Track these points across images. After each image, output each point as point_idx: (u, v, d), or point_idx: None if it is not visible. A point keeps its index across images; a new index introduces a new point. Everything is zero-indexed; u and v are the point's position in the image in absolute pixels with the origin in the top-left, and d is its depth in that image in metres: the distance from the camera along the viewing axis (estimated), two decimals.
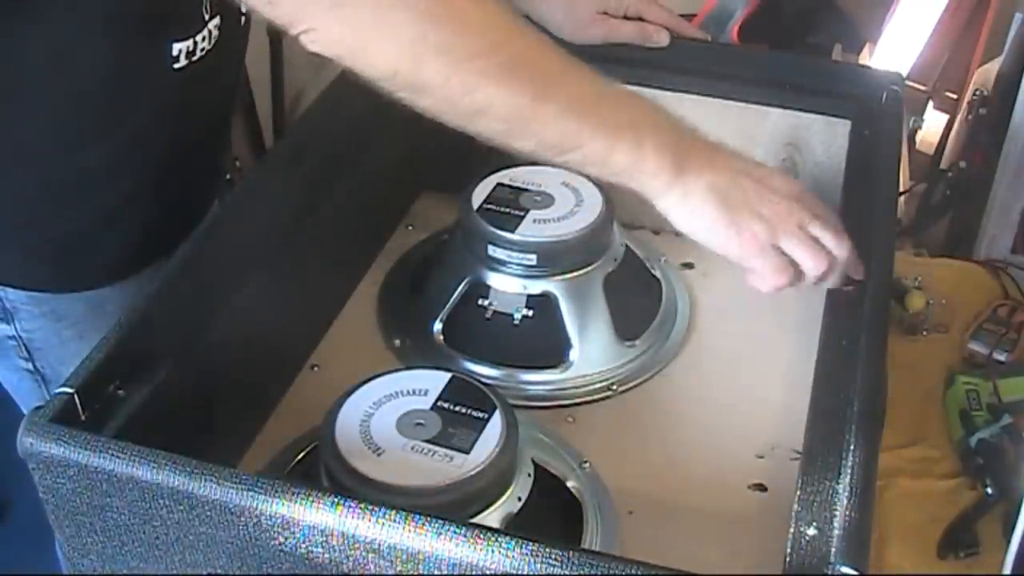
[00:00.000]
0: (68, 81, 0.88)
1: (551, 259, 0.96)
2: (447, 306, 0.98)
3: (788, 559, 0.62)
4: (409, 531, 0.60)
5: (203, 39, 0.91)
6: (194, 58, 0.91)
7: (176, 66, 0.90)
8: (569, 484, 0.85)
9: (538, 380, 0.96)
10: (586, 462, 0.88)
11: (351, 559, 0.62)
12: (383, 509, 0.61)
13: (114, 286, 1.00)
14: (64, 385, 0.70)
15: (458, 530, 0.60)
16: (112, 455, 0.64)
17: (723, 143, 0.80)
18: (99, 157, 0.93)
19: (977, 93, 1.32)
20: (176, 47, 0.90)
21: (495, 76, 0.71)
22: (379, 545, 0.61)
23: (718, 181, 0.76)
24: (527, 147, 0.74)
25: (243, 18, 0.98)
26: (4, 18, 0.84)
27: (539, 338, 0.97)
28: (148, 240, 1.01)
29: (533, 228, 0.97)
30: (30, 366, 1.03)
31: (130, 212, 0.98)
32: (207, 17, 0.91)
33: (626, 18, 1.09)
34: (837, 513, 0.64)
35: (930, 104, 1.30)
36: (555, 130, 0.73)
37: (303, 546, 0.63)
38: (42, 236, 0.96)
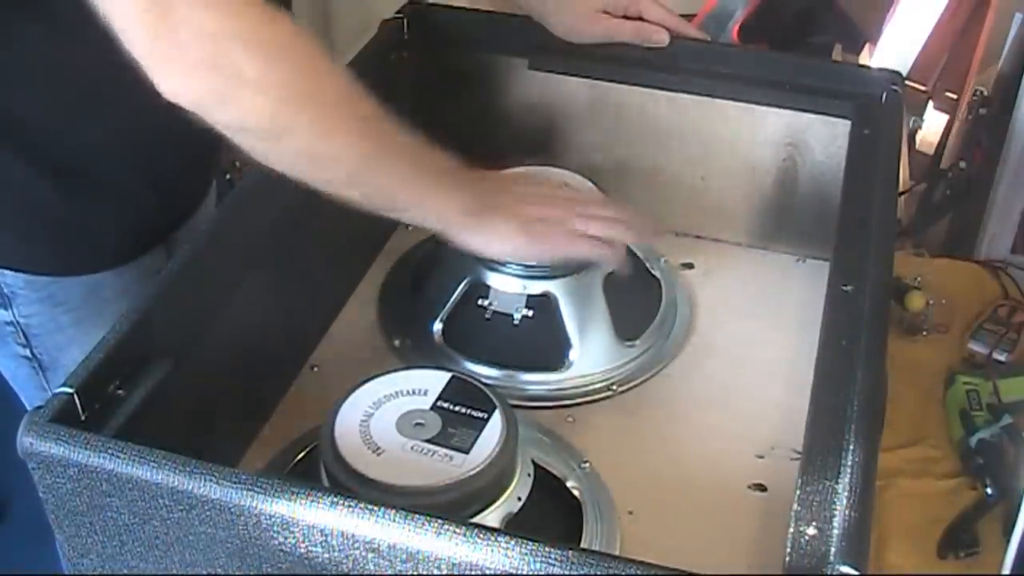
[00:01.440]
0: (71, 66, 0.89)
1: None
2: (447, 306, 0.98)
3: (788, 559, 0.62)
4: (409, 531, 0.60)
5: None
6: None
7: None
8: (569, 484, 0.85)
9: (538, 380, 0.96)
10: (586, 462, 0.88)
11: (351, 559, 0.62)
12: (383, 509, 0.61)
13: (112, 271, 1.00)
14: (64, 385, 0.69)
15: (458, 530, 0.60)
16: (112, 455, 0.64)
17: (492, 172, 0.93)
18: (98, 140, 0.94)
19: (977, 93, 1.32)
20: None
21: (349, 128, 0.79)
22: (379, 545, 0.61)
23: (514, 212, 0.89)
24: (358, 195, 0.82)
25: None
26: (12, 7, 0.85)
27: (539, 338, 0.97)
28: (147, 225, 1.02)
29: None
30: (27, 352, 1.03)
31: (129, 196, 0.99)
32: None
33: (626, 17, 1.09)
34: (837, 513, 0.64)
35: (930, 104, 1.29)
36: (386, 182, 0.83)
37: (303, 546, 0.63)
38: (42, 218, 0.97)
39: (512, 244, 0.89)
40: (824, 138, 1.07)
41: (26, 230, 0.98)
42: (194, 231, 1.10)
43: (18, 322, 1.01)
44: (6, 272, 0.98)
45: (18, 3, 0.86)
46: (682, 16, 1.12)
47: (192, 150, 1.04)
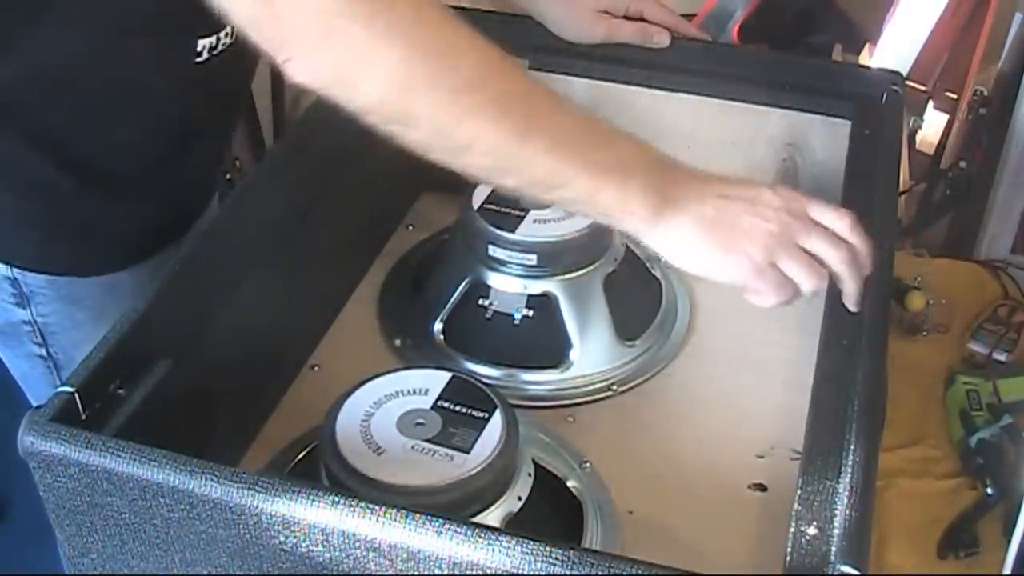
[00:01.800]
0: (96, 72, 0.90)
1: (551, 259, 0.96)
2: (447, 306, 0.98)
3: (788, 559, 0.62)
4: (409, 530, 0.60)
5: (225, 35, 0.93)
6: (215, 51, 0.93)
7: (198, 60, 0.92)
8: (569, 484, 0.85)
9: (538, 380, 0.96)
10: (586, 462, 0.88)
11: (351, 558, 0.62)
12: (383, 508, 0.61)
13: (129, 269, 1.00)
14: (64, 384, 0.70)
15: (458, 529, 0.60)
16: (112, 454, 0.64)
17: (708, 170, 0.78)
18: (119, 142, 0.94)
19: (977, 93, 1.32)
20: (201, 43, 0.91)
21: (482, 111, 0.70)
22: (379, 544, 0.61)
23: (704, 211, 0.75)
24: (513, 184, 0.74)
25: None
26: (37, 9, 0.85)
27: (539, 338, 0.97)
28: (162, 224, 1.02)
29: (533, 228, 0.97)
30: (43, 352, 1.03)
31: (147, 195, 0.99)
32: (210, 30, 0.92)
33: (627, 18, 1.09)
34: (837, 513, 0.64)
35: (930, 104, 1.29)
36: (541, 168, 0.72)
37: (303, 545, 0.63)
38: (63, 219, 0.97)
39: (694, 252, 0.75)
40: (824, 138, 1.07)
41: (47, 231, 0.98)
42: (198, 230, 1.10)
43: (36, 321, 1.01)
44: (26, 273, 0.98)
45: (43, 5, 0.86)
46: (682, 16, 1.12)
47: (206, 149, 1.04)
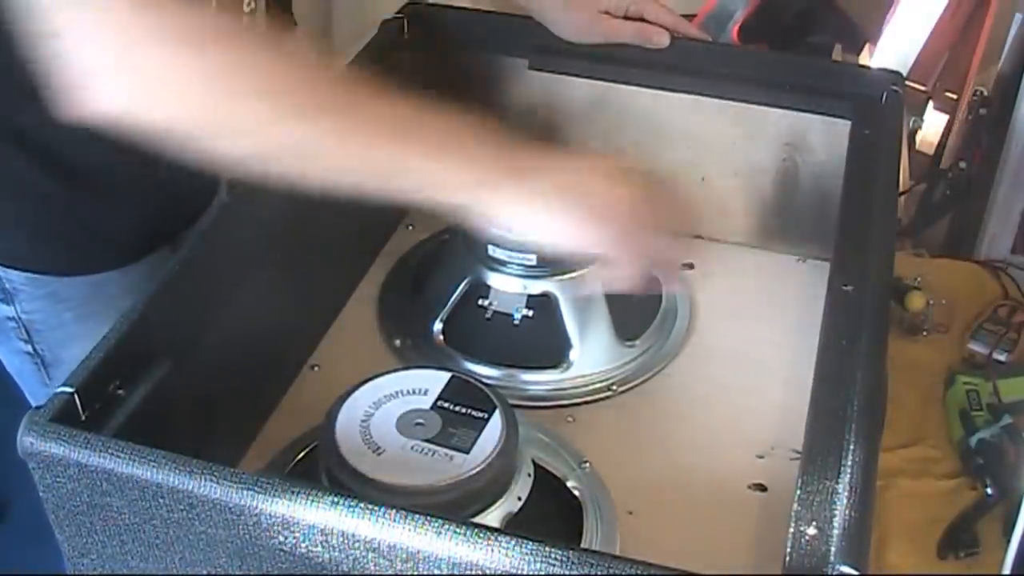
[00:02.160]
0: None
1: (551, 259, 0.96)
2: (447, 306, 0.98)
3: (788, 559, 0.62)
4: (409, 531, 0.60)
5: None
6: None
7: None
8: (569, 484, 0.85)
9: (538, 380, 0.96)
10: (586, 462, 0.88)
11: (351, 558, 0.62)
12: (383, 509, 0.61)
13: (117, 270, 1.00)
14: (64, 384, 0.69)
15: (458, 530, 0.60)
16: (112, 455, 0.64)
17: (550, 149, 0.78)
18: (106, 141, 0.93)
19: (977, 93, 1.32)
20: None
21: (297, 115, 0.70)
22: (379, 545, 0.61)
23: (557, 182, 0.76)
24: (354, 181, 0.72)
25: (249, 13, 0.99)
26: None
27: (539, 338, 0.97)
28: (152, 226, 1.02)
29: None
30: (30, 348, 1.03)
31: (134, 197, 0.99)
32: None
33: (627, 18, 1.09)
34: (837, 513, 0.64)
35: (930, 104, 1.29)
36: (377, 157, 0.72)
37: (303, 546, 0.63)
38: (47, 218, 0.97)
39: (554, 219, 0.75)
40: (824, 138, 1.07)
41: (31, 230, 0.98)
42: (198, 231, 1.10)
43: (20, 318, 1.01)
44: (8, 269, 0.98)
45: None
46: (682, 16, 1.12)
47: None
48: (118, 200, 0.98)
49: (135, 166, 0.97)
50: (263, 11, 1.02)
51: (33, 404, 1.07)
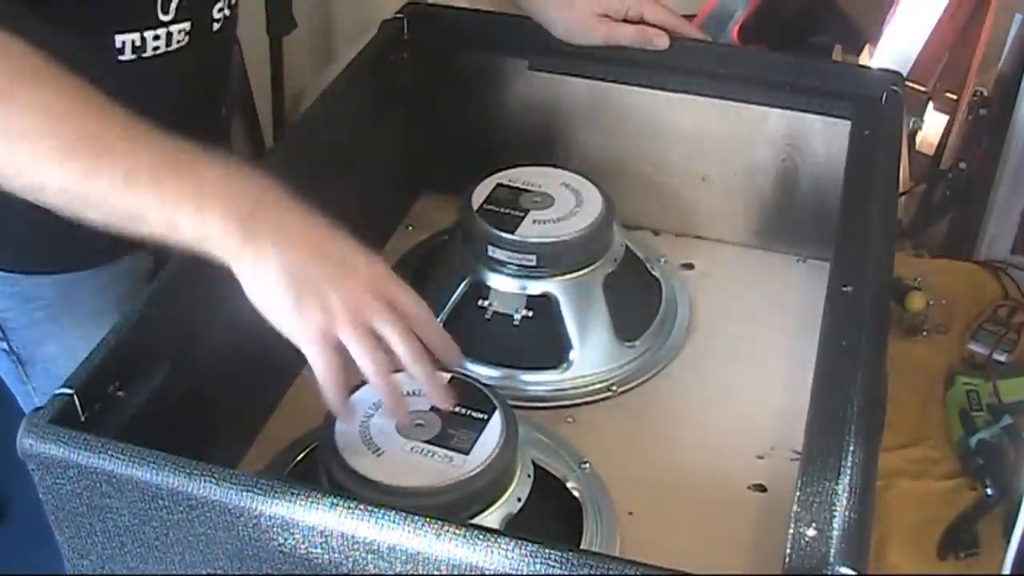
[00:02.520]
0: None
1: (551, 260, 0.96)
2: (447, 306, 0.98)
3: (788, 559, 0.62)
4: (409, 532, 0.60)
5: (156, 38, 0.91)
6: (145, 54, 0.91)
7: (122, 58, 0.90)
8: (569, 484, 0.85)
9: (538, 380, 0.96)
10: (586, 462, 0.88)
11: (351, 560, 0.62)
12: (383, 510, 0.61)
13: (89, 271, 0.99)
14: (64, 386, 0.69)
15: (458, 531, 0.60)
16: (112, 456, 0.64)
17: (309, 212, 0.75)
18: None
19: (977, 93, 1.32)
20: (120, 39, 0.89)
21: (48, 156, 0.70)
22: (379, 546, 0.61)
23: (292, 258, 0.72)
24: (96, 217, 0.72)
25: (217, 29, 0.98)
26: None
27: (539, 338, 0.97)
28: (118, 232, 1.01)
29: (533, 229, 0.97)
30: (5, 346, 1.03)
31: None
32: (165, 18, 0.91)
33: (627, 20, 1.09)
34: (837, 513, 0.64)
35: (930, 104, 1.29)
36: (115, 204, 0.71)
37: (303, 547, 0.63)
38: (11, 220, 0.95)
39: (269, 298, 0.72)
40: (824, 138, 1.07)
41: None
42: None
43: None
44: None
45: None
46: (682, 16, 1.12)
47: None
48: None
49: None
50: (235, 20, 1.01)
51: (20, 403, 1.07)
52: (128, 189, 0.70)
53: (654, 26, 1.08)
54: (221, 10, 0.96)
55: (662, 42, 1.08)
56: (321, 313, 0.72)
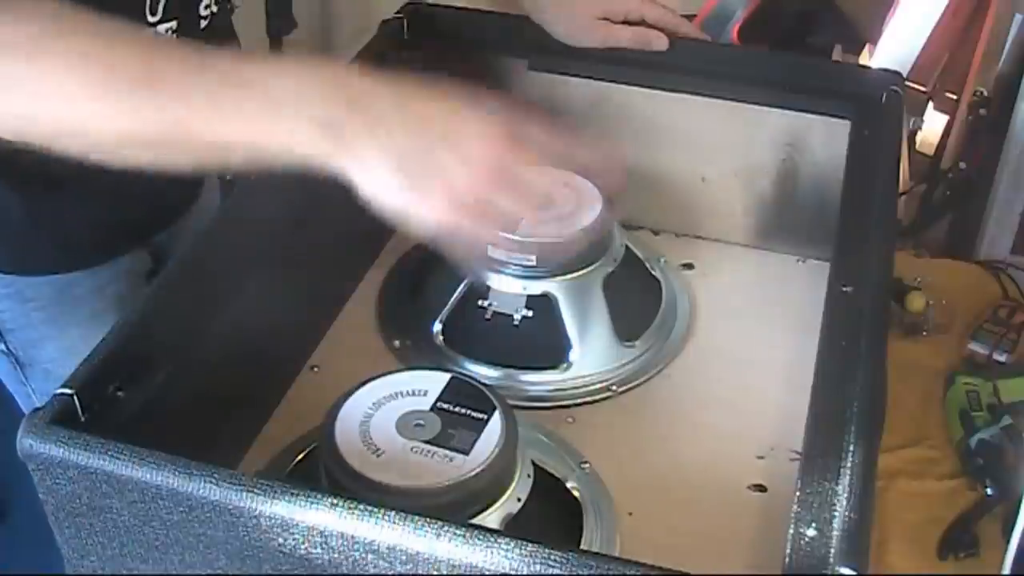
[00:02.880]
0: None
1: (551, 260, 0.96)
2: (447, 307, 0.98)
3: (788, 559, 0.62)
4: (408, 532, 0.60)
5: (167, 29, 0.91)
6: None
7: None
8: (569, 485, 0.85)
9: (538, 381, 0.96)
10: (586, 463, 0.88)
11: (350, 560, 0.62)
12: (382, 510, 0.61)
13: (85, 271, 0.99)
14: (64, 386, 0.69)
15: (457, 531, 0.60)
16: (112, 456, 0.64)
17: (410, 89, 0.71)
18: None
19: (977, 93, 1.32)
20: None
21: (113, 111, 0.69)
22: (378, 546, 0.61)
23: (394, 142, 0.67)
24: (186, 161, 0.70)
25: (204, 27, 0.97)
26: None
27: (539, 339, 0.97)
28: (120, 230, 1.00)
29: (533, 228, 0.96)
30: (3, 347, 1.03)
31: (95, 201, 0.97)
32: (152, 19, 0.91)
33: (626, 22, 1.09)
34: (837, 514, 0.64)
35: (930, 104, 1.29)
36: (199, 142, 0.68)
37: (302, 547, 0.63)
38: (7, 221, 0.96)
39: (385, 189, 0.67)
40: (824, 138, 1.07)
41: None
42: (183, 234, 1.09)
43: None
44: None
45: None
46: (682, 17, 1.12)
47: None
48: (76, 204, 0.96)
49: (92, 170, 0.96)
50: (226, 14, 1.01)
51: (19, 404, 1.07)
52: (208, 126, 0.67)
53: (654, 27, 1.08)
54: (208, 7, 0.96)
55: (661, 44, 1.08)
56: (440, 194, 0.67)
